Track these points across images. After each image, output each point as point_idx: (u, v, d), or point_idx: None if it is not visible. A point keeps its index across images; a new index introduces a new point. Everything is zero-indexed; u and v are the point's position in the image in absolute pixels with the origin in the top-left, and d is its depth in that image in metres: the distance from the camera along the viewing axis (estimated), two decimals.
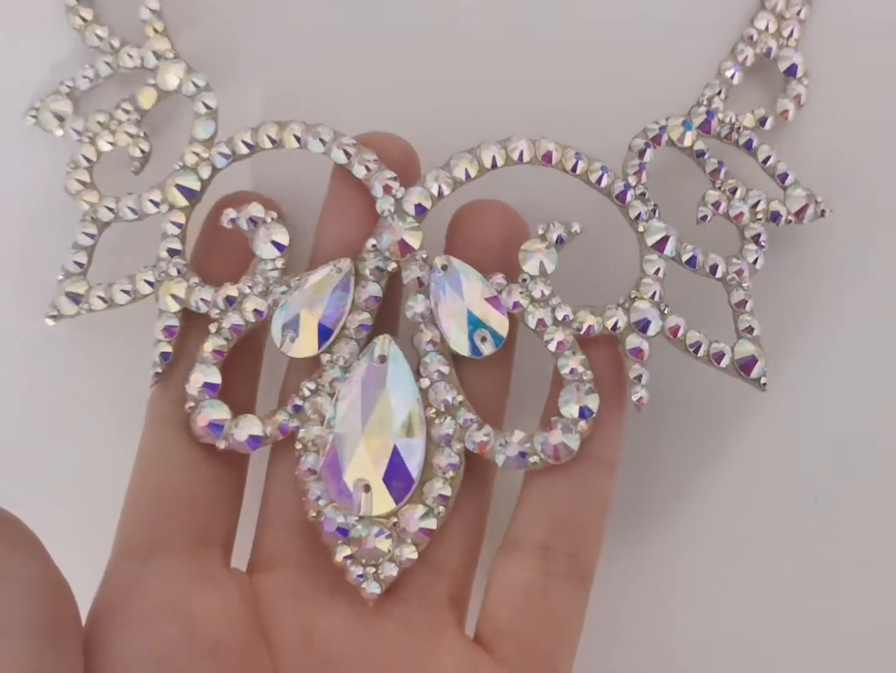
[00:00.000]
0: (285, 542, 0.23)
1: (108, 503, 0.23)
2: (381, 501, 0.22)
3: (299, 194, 0.25)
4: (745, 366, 0.23)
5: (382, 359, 0.22)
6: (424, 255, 0.22)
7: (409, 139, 0.24)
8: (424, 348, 0.22)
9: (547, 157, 0.23)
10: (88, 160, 0.24)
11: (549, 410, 0.23)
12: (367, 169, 0.23)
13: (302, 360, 0.23)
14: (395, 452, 0.22)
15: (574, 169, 0.23)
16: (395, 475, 0.22)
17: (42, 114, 0.25)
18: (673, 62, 0.26)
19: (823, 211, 0.25)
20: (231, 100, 0.25)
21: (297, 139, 0.23)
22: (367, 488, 0.22)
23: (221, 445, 0.22)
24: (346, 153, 0.23)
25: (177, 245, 0.23)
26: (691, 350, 0.23)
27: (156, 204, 0.23)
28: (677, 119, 0.24)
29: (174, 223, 0.23)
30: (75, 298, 0.24)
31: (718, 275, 0.24)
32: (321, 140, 0.23)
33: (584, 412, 0.22)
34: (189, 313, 0.23)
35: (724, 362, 0.23)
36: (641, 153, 0.24)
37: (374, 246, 0.22)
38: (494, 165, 0.23)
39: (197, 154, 0.23)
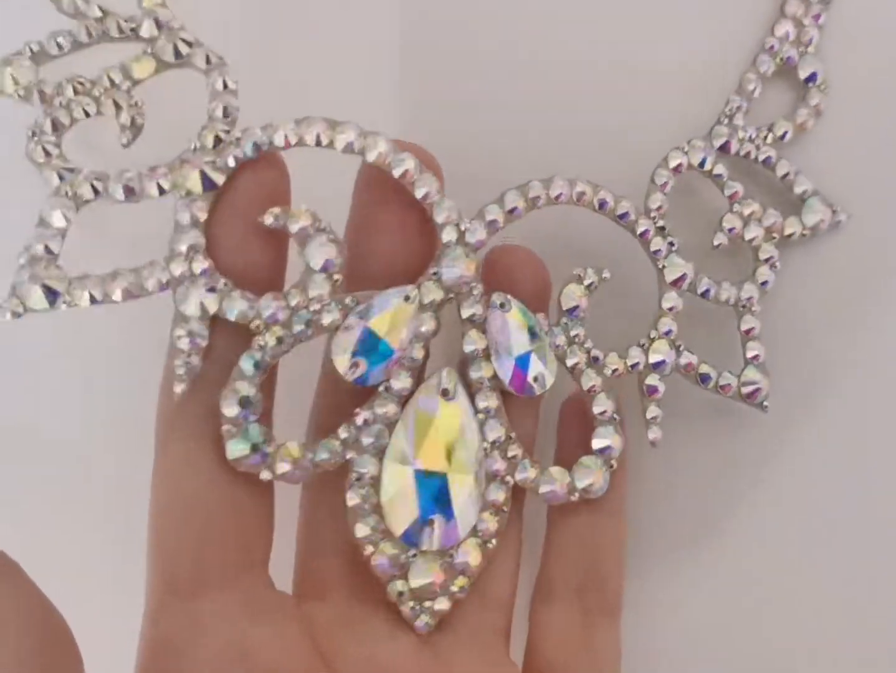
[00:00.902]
0: (336, 570, 0.22)
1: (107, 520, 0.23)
2: (448, 536, 0.22)
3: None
4: (750, 395, 0.24)
5: (445, 392, 0.22)
6: (481, 290, 0.22)
7: None
8: (480, 384, 0.22)
9: (581, 198, 0.23)
10: (58, 125, 0.21)
11: (564, 448, 0.24)
12: (427, 195, 0.22)
13: (334, 381, 0.22)
14: (460, 488, 0.22)
15: (602, 207, 0.23)
16: (461, 511, 0.22)
17: None
18: (691, 74, 0.25)
19: (839, 221, 0.25)
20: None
21: (351, 147, 0.21)
22: (431, 524, 0.22)
23: (266, 476, 0.21)
24: (406, 173, 0.21)
25: (200, 240, 0.20)
26: (701, 382, 0.24)
27: (162, 189, 0.20)
28: (698, 142, 0.24)
29: (195, 215, 0.20)
30: (52, 292, 0.20)
31: (731, 303, 0.24)
32: (379, 154, 0.21)
33: (611, 451, 0.23)
34: (214, 319, 0.21)
35: (731, 392, 0.24)
36: (664, 185, 0.24)
37: (434, 274, 0.22)
38: (538, 204, 0.23)
39: (220, 136, 0.21)
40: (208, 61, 0.21)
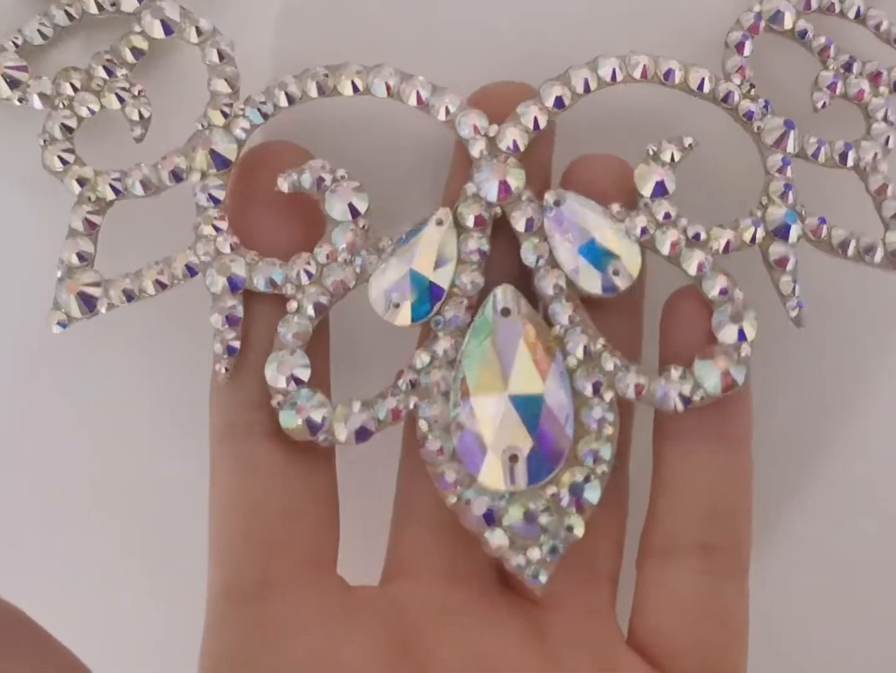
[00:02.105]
0: (427, 544, 0.20)
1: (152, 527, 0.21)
2: (535, 470, 0.19)
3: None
4: None
5: (506, 312, 0.20)
6: (529, 195, 0.20)
7: None
8: (550, 294, 0.20)
9: (642, 73, 0.21)
10: (67, 129, 0.20)
11: (666, 352, 0.20)
12: (448, 111, 0.20)
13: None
14: (543, 411, 0.19)
15: (668, 77, 0.21)
16: (547, 438, 0.19)
17: None
18: None
19: None
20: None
21: (354, 86, 0.20)
22: (515, 458, 0.19)
23: (323, 440, 0.19)
24: (419, 97, 0.20)
25: (221, 220, 0.20)
26: (839, 249, 0.21)
27: (177, 176, 0.20)
28: (773, 1, 0.22)
29: (213, 194, 0.20)
30: (89, 297, 0.19)
31: (850, 163, 0.21)
32: (386, 84, 0.20)
33: (742, 334, 0.20)
34: (249, 295, 0.20)
35: (878, 256, 0.21)
36: (740, 47, 0.21)
37: (473, 194, 0.20)
38: (588, 90, 0.21)
39: (225, 111, 0.20)
40: (199, 32, 0.20)
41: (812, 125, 0.21)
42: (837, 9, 0.22)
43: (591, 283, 0.20)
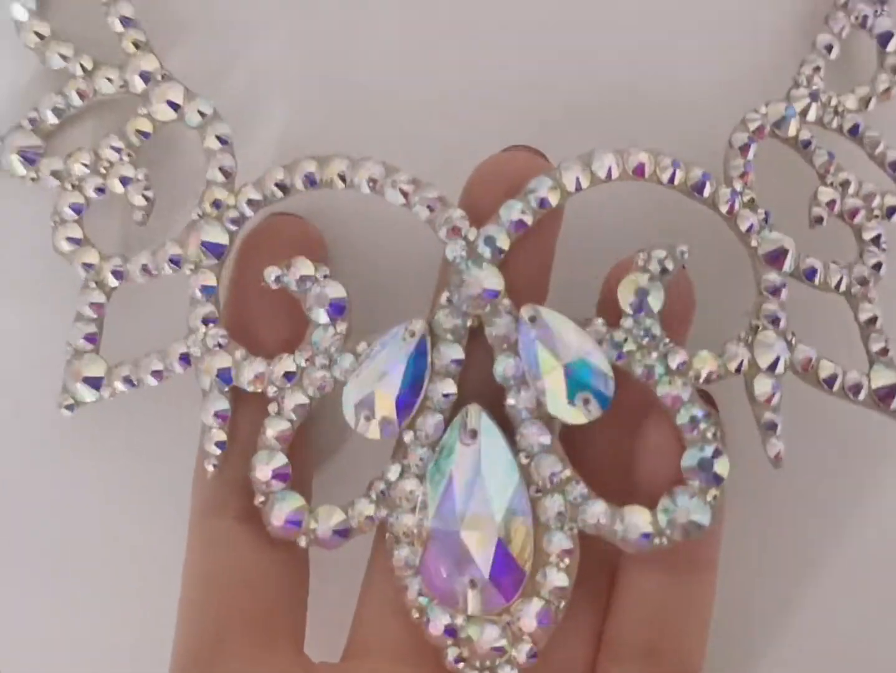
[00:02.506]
0: (386, 625, 0.20)
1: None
2: (490, 599, 0.19)
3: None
4: (885, 396, 0.20)
5: (473, 434, 0.19)
6: (508, 305, 0.18)
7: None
8: (519, 416, 0.19)
9: (639, 171, 0.19)
10: (76, 210, 0.20)
11: (637, 480, 0.19)
12: (430, 209, 0.19)
13: None
14: (500, 543, 0.19)
15: (671, 180, 0.19)
16: (504, 569, 0.19)
17: (5, 156, 0.20)
18: (754, 40, 0.22)
19: None
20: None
21: (342, 178, 0.19)
22: (473, 585, 0.19)
23: (303, 542, 0.19)
24: (403, 192, 0.19)
25: (212, 312, 0.20)
26: (825, 384, 0.19)
27: (176, 263, 0.20)
28: (778, 105, 0.20)
29: (205, 287, 0.19)
30: (95, 383, 0.20)
31: (842, 288, 0.20)
32: (370, 179, 0.19)
33: (713, 478, 0.18)
34: (237, 389, 0.19)
35: (862, 395, 0.20)
36: (745, 149, 0.20)
37: (448, 300, 0.19)
38: (579, 188, 0.19)
39: (218, 201, 0.20)
40: (201, 115, 0.20)
41: (802, 236, 0.20)
42: (836, 124, 0.21)
43: (561, 410, 0.18)
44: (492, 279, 0.19)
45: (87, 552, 0.23)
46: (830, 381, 0.19)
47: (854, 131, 0.21)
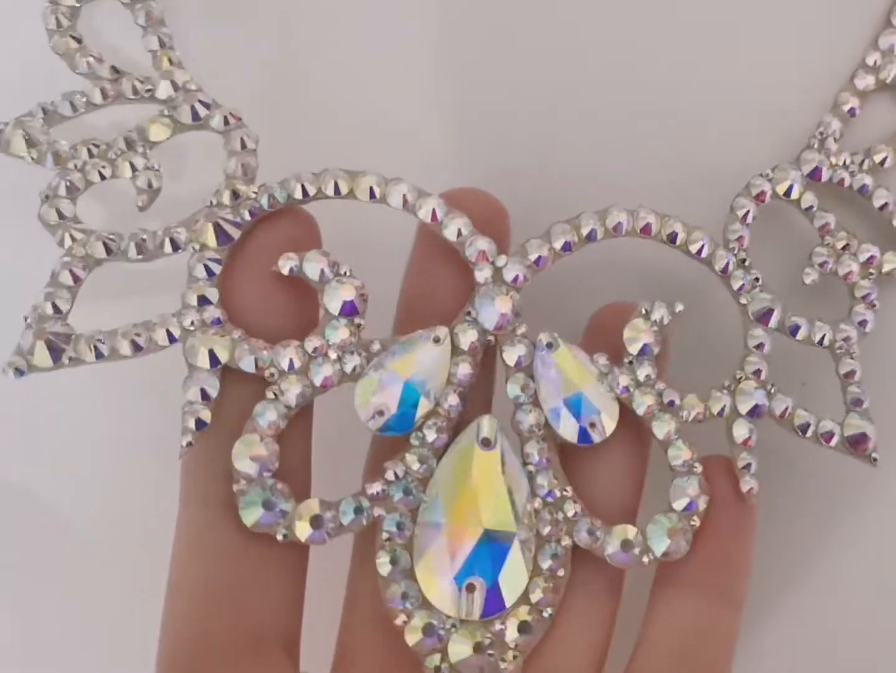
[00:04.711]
0: (370, 636, 0.20)
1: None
2: (491, 604, 0.20)
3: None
4: (856, 443, 0.22)
5: (486, 442, 0.20)
6: (524, 330, 0.21)
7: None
8: (527, 433, 0.21)
9: (646, 230, 0.21)
10: (72, 188, 0.20)
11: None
12: (460, 233, 0.20)
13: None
14: (508, 549, 0.20)
15: (673, 240, 0.21)
16: (505, 576, 0.20)
17: (9, 132, 0.20)
18: (779, 92, 0.24)
19: None
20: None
21: (372, 192, 0.20)
22: (472, 588, 0.20)
23: (280, 537, 0.19)
24: (434, 214, 0.20)
25: (211, 290, 0.20)
26: (799, 431, 0.22)
27: (175, 245, 0.20)
28: (784, 172, 0.22)
29: (208, 266, 0.20)
30: (56, 347, 0.19)
31: (825, 343, 0.22)
32: (404, 196, 0.20)
33: (691, 505, 0.21)
34: (226, 371, 0.20)
35: (834, 441, 0.22)
36: (745, 216, 0.22)
37: (470, 315, 0.20)
38: (593, 238, 0.21)
39: (237, 192, 0.20)
40: (226, 122, 0.21)
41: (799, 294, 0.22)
42: (847, 183, 0.23)
43: (569, 431, 0.20)
44: (516, 306, 0.20)
45: (87, 538, 0.24)
46: (804, 427, 0.21)
47: (863, 190, 0.23)
